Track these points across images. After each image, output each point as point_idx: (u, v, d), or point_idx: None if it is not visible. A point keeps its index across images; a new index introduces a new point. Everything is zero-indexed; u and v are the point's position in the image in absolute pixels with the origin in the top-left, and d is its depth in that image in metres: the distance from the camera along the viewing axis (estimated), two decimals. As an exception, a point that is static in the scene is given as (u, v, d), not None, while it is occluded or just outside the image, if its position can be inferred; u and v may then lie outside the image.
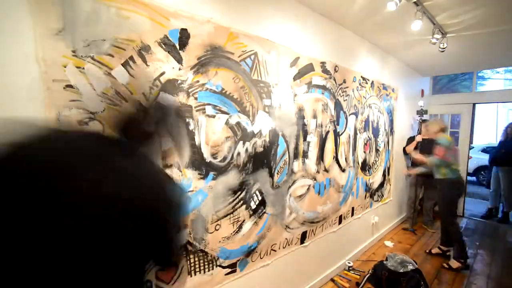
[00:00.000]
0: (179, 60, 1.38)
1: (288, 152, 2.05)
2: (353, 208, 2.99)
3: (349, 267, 2.88)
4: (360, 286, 2.60)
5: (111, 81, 1.14)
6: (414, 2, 2.05)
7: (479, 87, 7.50)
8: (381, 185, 3.59)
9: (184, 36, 1.39)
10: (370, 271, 2.75)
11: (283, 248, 2.13)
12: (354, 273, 2.83)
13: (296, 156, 2.12)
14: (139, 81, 1.23)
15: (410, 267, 2.54)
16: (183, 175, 1.43)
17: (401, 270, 2.52)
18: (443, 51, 2.83)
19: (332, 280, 2.71)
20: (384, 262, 2.67)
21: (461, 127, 4.83)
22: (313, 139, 2.27)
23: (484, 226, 4.39)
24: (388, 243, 3.59)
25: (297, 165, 2.14)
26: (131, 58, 1.20)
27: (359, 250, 3.23)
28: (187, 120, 1.43)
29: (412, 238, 3.82)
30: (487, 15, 2.29)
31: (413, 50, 3.30)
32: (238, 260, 1.77)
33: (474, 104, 4.76)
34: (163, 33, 1.31)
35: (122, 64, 1.16)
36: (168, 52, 1.33)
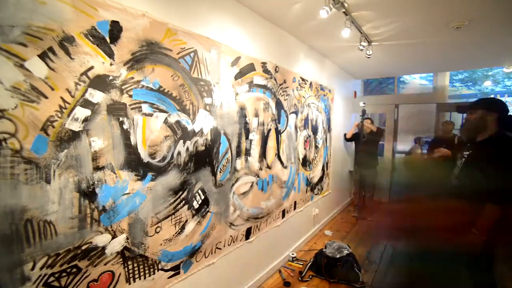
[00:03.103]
0: (110, 55, 1.29)
1: (231, 150, 2.08)
2: (295, 202, 3.17)
3: (293, 258, 3.05)
4: (303, 274, 2.77)
5: (25, 74, 1.01)
6: (344, 12, 2.26)
7: (401, 90, 8.60)
8: (321, 179, 3.87)
9: (115, 29, 1.30)
10: (312, 260, 2.95)
11: (228, 245, 2.15)
12: (297, 263, 3.00)
13: (238, 154, 2.16)
14: (62, 75, 1.12)
15: (345, 251, 2.80)
16: (118, 177, 1.34)
17: (338, 256, 2.76)
18: (369, 57, 3.18)
19: (279, 271, 2.83)
20: (324, 250, 2.90)
21: (387, 125, 5.48)
22: (255, 137, 2.34)
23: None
24: (328, 232, 3.90)
25: (240, 163, 2.18)
26: (51, 49, 1.08)
27: (302, 241, 3.44)
28: (120, 119, 1.34)
29: (348, 226, 4.21)
30: (403, 28, 2.66)
31: (345, 54, 3.63)
32: (181, 262, 1.74)
33: (397, 105, 5.44)
34: (90, 24, 1.20)
35: (38, 56, 1.04)
36: (97, 45, 1.23)
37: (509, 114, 1.74)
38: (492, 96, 7.27)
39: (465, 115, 1.86)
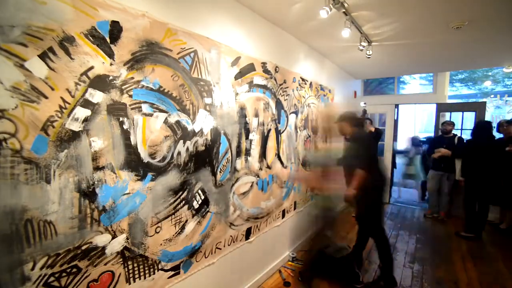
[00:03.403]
0: (111, 55, 1.29)
1: (231, 150, 2.08)
2: (295, 202, 3.17)
3: (293, 257, 3.05)
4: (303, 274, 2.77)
5: (25, 74, 1.01)
6: (344, 12, 2.26)
7: (401, 90, 8.60)
8: (321, 179, 3.86)
9: (115, 29, 1.30)
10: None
11: (228, 245, 2.15)
12: (297, 263, 3.00)
13: (238, 154, 2.16)
14: (62, 75, 1.12)
15: (345, 251, 2.80)
16: (118, 177, 1.34)
17: (338, 256, 2.75)
18: (369, 57, 3.18)
19: (279, 271, 2.83)
20: (324, 250, 2.89)
21: (387, 125, 5.48)
22: (255, 137, 2.34)
23: (405, 210, 5.06)
24: (328, 232, 3.88)
25: (240, 163, 2.18)
26: (51, 49, 1.08)
27: (302, 241, 3.44)
28: (120, 119, 1.34)
29: (348, 226, 4.20)
30: (403, 28, 2.66)
31: (345, 54, 3.63)
32: (181, 262, 1.74)
33: (396, 105, 5.44)
34: (90, 24, 1.20)
35: (39, 56, 1.04)
36: (97, 45, 1.23)
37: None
38: (492, 95, 7.26)
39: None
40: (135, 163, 1.42)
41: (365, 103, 4.65)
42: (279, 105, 2.67)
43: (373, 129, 4.44)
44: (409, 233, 3.99)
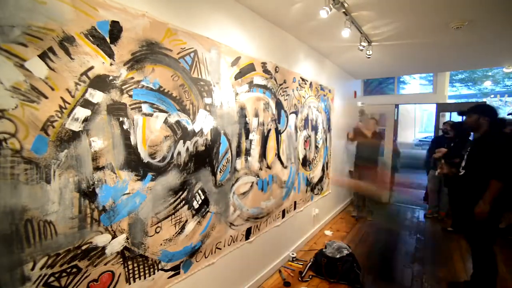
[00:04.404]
0: (110, 55, 1.29)
1: (231, 150, 2.08)
2: (295, 202, 3.17)
3: (293, 258, 3.04)
4: (303, 274, 2.77)
5: (25, 74, 1.01)
6: (344, 12, 2.26)
7: (401, 90, 8.61)
8: (321, 179, 3.87)
9: (115, 29, 1.30)
10: (312, 260, 2.95)
11: (228, 245, 2.15)
12: (297, 263, 3.00)
13: (238, 154, 2.17)
14: (62, 75, 1.12)
15: (345, 252, 2.80)
16: (118, 177, 1.34)
17: (338, 256, 2.76)
18: (369, 57, 3.18)
19: (279, 271, 2.83)
20: (324, 250, 2.90)
21: (387, 125, 5.47)
22: (255, 137, 2.34)
23: (405, 210, 5.07)
24: (328, 232, 3.89)
25: (240, 163, 2.18)
26: (51, 49, 1.08)
27: (302, 241, 3.44)
28: (120, 119, 1.34)
29: (348, 226, 4.21)
30: (403, 28, 2.66)
31: (345, 54, 3.63)
32: (181, 262, 1.74)
33: (396, 105, 5.44)
34: (90, 24, 1.20)
35: (39, 56, 1.04)
36: (97, 45, 1.23)
37: (498, 117, 2.37)
38: (492, 95, 7.26)
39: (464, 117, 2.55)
40: (135, 163, 1.42)
41: (362, 103, 4.63)
42: (279, 105, 2.67)
43: (375, 130, 4.40)
44: (409, 233, 3.99)
